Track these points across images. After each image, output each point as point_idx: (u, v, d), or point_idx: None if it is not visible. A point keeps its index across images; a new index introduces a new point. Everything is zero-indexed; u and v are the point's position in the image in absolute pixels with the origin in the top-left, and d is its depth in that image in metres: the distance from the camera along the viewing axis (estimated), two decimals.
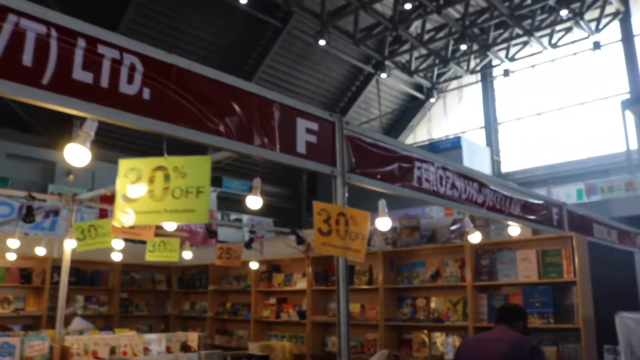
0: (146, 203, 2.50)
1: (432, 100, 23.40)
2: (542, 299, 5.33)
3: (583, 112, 19.86)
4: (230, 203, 18.80)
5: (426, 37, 19.58)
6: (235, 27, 17.45)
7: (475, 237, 4.92)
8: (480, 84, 22.97)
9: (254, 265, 7.52)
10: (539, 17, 18.56)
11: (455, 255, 6.13)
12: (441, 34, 19.71)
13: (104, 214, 12.89)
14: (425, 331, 6.28)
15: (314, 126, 3.07)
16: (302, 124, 3.00)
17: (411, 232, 6.42)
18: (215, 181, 19.08)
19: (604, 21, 18.91)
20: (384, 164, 3.45)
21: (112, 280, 8.63)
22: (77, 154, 2.45)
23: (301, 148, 2.97)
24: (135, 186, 2.55)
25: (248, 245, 7.26)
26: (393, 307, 6.55)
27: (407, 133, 24.56)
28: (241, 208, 15.68)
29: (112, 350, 5.55)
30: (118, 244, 5.27)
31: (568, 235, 5.26)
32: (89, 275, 8.51)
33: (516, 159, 21.38)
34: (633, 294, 5.84)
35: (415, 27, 19.50)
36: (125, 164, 2.60)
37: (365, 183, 3.27)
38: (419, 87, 23.31)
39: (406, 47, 20.48)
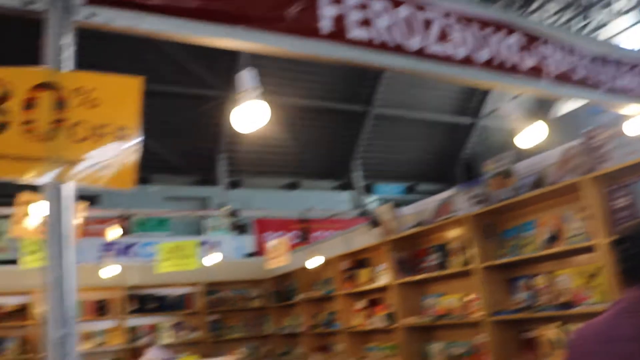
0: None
1: None
2: None
3: None
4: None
5: None
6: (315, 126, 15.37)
7: (526, 140, 2.50)
8: None
9: (310, 264, 5.64)
10: None
11: (578, 200, 3.72)
12: None
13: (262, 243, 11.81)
14: (555, 324, 3.92)
15: None
16: None
17: (502, 179, 4.10)
18: (368, 189, 17.79)
19: None
20: None
21: (198, 301, 7.31)
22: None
23: None
24: None
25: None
26: (502, 294, 4.26)
27: None
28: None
29: None
30: None
31: None
32: (170, 299, 7.27)
33: None
34: None
35: None
36: None
37: (147, 25, 1.39)
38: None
39: None
